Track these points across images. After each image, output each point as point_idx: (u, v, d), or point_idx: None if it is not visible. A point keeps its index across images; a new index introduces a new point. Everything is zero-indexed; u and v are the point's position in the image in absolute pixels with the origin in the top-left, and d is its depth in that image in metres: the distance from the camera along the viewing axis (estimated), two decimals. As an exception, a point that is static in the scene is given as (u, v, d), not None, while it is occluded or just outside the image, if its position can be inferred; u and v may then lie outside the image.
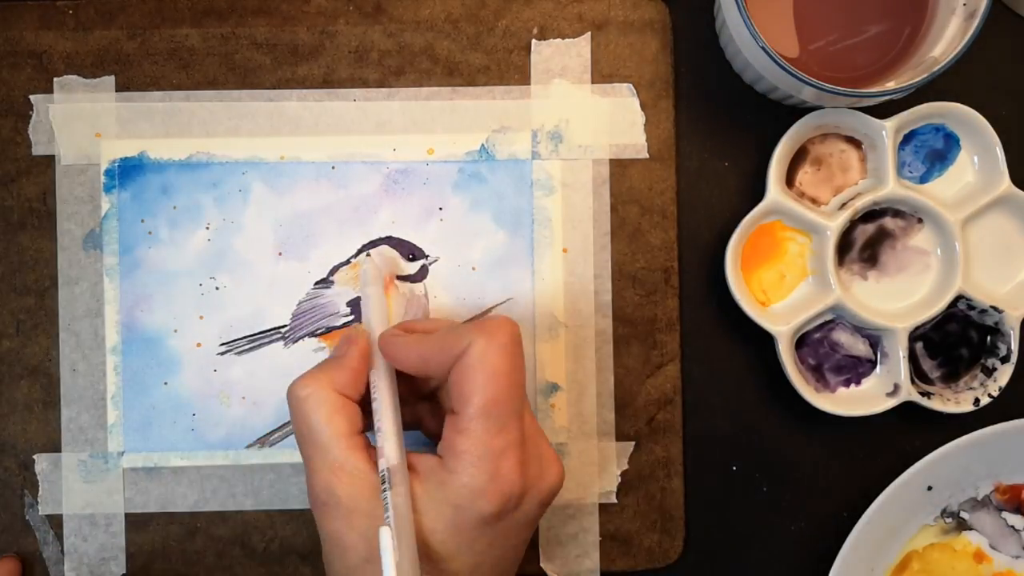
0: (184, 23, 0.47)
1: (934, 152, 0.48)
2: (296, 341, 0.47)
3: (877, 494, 0.46)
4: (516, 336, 0.39)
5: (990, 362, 0.48)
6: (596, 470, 0.48)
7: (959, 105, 0.47)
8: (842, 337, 0.48)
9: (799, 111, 0.47)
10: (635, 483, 0.48)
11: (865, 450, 0.49)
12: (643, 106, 0.48)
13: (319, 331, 0.48)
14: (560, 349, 0.48)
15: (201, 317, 0.47)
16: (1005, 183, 0.47)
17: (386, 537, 0.36)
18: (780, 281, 0.48)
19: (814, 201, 0.48)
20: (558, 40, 0.48)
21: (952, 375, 0.48)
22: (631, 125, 0.48)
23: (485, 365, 0.37)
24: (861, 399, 0.48)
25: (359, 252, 0.48)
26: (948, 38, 0.44)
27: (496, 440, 0.37)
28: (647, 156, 0.48)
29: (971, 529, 0.49)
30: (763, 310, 0.48)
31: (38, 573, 0.47)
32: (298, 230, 0.48)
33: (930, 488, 0.48)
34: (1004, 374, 0.47)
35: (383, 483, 0.38)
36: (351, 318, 0.47)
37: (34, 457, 0.47)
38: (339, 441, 0.38)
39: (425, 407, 0.43)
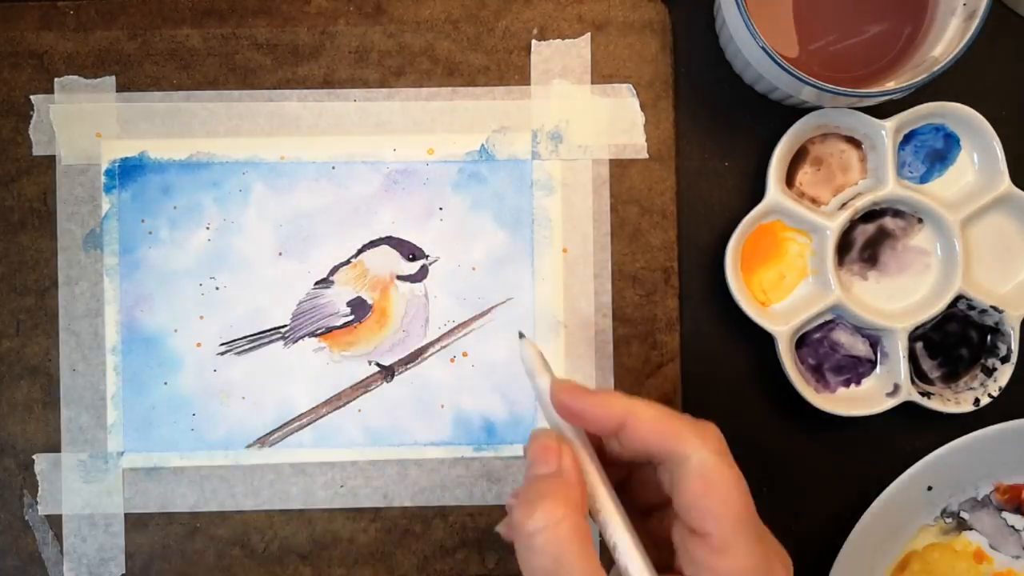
0: (185, 23, 0.48)
1: (934, 152, 0.48)
2: (296, 341, 0.47)
3: (877, 494, 0.46)
4: (726, 444, 0.36)
5: (990, 362, 0.48)
6: (596, 470, 0.48)
7: (959, 105, 0.47)
8: (842, 337, 0.48)
9: (799, 111, 0.47)
10: (635, 483, 0.48)
11: (865, 450, 0.49)
12: (643, 106, 0.48)
13: (319, 331, 0.48)
14: (560, 349, 0.48)
15: (201, 317, 0.47)
16: (1005, 183, 0.47)
17: None
18: (780, 281, 0.48)
19: (814, 201, 0.48)
20: (558, 40, 0.48)
21: (952, 375, 0.48)
22: (631, 125, 0.48)
23: (724, 479, 0.34)
24: (861, 399, 0.48)
25: (359, 252, 0.48)
26: (948, 38, 0.44)
27: (759, 550, 0.34)
28: (647, 156, 0.48)
29: (971, 529, 0.49)
30: (763, 310, 0.48)
31: (38, 573, 0.47)
32: (298, 230, 0.48)
33: (930, 488, 0.48)
34: (1004, 374, 0.47)
35: None
36: (351, 318, 0.47)
37: (34, 457, 0.47)
38: (598, 573, 0.33)
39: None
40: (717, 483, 0.34)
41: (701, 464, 0.34)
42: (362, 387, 0.48)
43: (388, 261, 0.48)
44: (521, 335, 0.39)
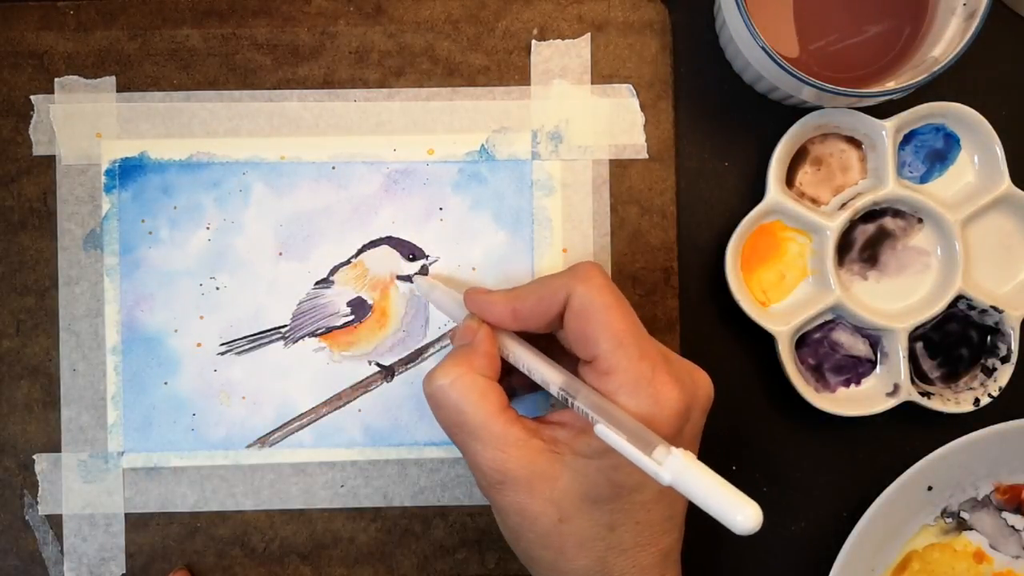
0: (185, 24, 0.48)
1: (934, 152, 0.48)
2: (296, 341, 0.47)
3: (877, 494, 0.46)
4: (606, 274, 0.39)
5: (990, 362, 0.48)
6: (596, 470, 0.47)
7: (959, 105, 0.47)
8: (842, 337, 0.48)
9: (799, 111, 0.47)
10: (635, 483, 0.48)
11: (865, 450, 0.49)
12: (643, 106, 0.48)
13: (319, 331, 0.48)
14: (560, 349, 0.48)
15: (201, 317, 0.47)
16: (1005, 183, 0.47)
17: (606, 431, 0.36)
18: (780, 281, 0.48)
19: (814, 201, 0.48)
20: (558, 41, 0.48)
21: (952, 375, 0.48)
22: (631, 125, 0.48)
23: (596, 304, 0.38)
24: (861, 399, 0.48)
25: (359, 252, 0.48)
26: (948, 38, 0.44)
27: (642, 365, 0.37)
28: (647, 156, 0.48)
29: (971, 529, 0.49)
30: (763, 310, 0.48)
31: (38, 573, 0.47)
32: (298, 230, 0.48)
33: (930, 488, 0.48)
34: (1004, 374, 0.47)
35: (566, 402, 0.38)
36: (351, 318, 0.47)
37: (34, 457, 0.47)
38: (498, 417, 0.38)
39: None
40: (591, 310, 0.38)
41: (578, 298, 0.38)
42: (362, 387, 0.48)
43: (388, 261, 0.48)
44: (411, 278, 0.47)
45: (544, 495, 0.38)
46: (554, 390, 0.39)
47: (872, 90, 0.43)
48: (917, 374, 0.48)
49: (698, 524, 0.48)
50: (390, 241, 0.48)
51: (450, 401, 0.39)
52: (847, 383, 0.48)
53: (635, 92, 0.48)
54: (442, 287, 0.46)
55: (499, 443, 0.38)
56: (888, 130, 0.46)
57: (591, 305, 0.38)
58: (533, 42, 0.48)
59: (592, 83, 0.48)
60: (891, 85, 0.44)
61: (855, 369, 0.48)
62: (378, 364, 0.48)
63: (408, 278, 0.48)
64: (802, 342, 0.48)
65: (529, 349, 0.41)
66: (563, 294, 0.39)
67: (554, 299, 0.39)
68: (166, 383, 0.47)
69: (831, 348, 0.48)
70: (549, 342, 0.42)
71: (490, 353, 0.40)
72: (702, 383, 0.40)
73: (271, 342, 0.47)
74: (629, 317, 0.38)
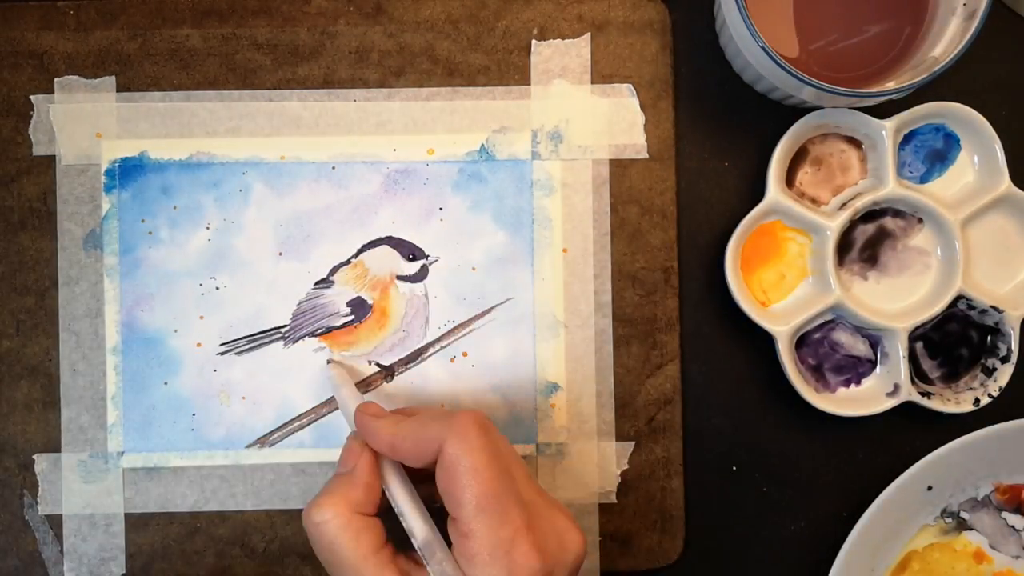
0: (185, 24, 0.48)
1: (934, 152, 0.48)
2: (296, 341, 0.47)
3: (877, 494, 0.46)
4: (484, 427, 0.39)
5: (990, 362, 0.48)
6: (596, 470, 0.48)
7: (959, 105, 0.47)
8: (842, 337, 0.48)
9: (799, 111, 0.47)
10: (635, 483, 0.48)
11: (865, 450, 0.49)
12: (643, 106, 0.48)
13: (319, 331, 0.48)
14: (560, 349, 0.48)
15: (201, 317, 0.47)
16: (1005, 183, 0.47)
17: None
18: (780, 281, 0.48)
19: (814, 201, 0.48)
20: (558, 40, 0.48)
21: (952, 375, 0.48)
22: (631, 125, 0.48)
23: (463, 466, 0.37)
24: (861, 399, 0.48)
25: (359, 252, 0.48)
26: (948, 38, 0.44)
27: (501, 532, 0.37)
28: (647, 156, 0.48)
29: (971, 529, 0.49)
30: (763, 310, 0.48)
31: (38, 573, 0.47)
32: (298, 230, 0.48)
33: (930, 488, 0.48)
34: (1004, 374, 0.47)
35: (424, 560, 0.38)
36: (351, 318, 0.47)
37: (34, 457, 0.47)
38: (368, 560, 0.38)
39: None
40: (458, 471, 0.38)
41: (446, 456, 0.38)
42: (362, 387, 0.48)
43: (388, 261, 0.48)
44: (328, 361, 0.47)
45: None
46: (415, 543, 0.39)
47: (872, 90, 0.43)
48: (917, 374, 0.48)
49: (699, 523, 0.49)
50: (390, 241, 0.48)
51: (325, 540, 0.39)
52: (847, 383, 0.48)
53: (635, 92, 0.48)
54: (349, 388, 0.45)
55: None
56: (888, 130, 0.46)
57: (458, 464, 0.38)
58: (533, 42, 0.48)
59: (592, 83, 0.48)
60: (891, 85, 0.44)
61: (855, 369, 0.48)
62: (378, 364, 0.48)
63: (408, 278, 0.48)
64: (802, 342, 0.48)
65: (404, 489, 0.41)
66: (436, 444, 0.38)
67: (429, 446, 0.39)
68: (166, 383, 0.47)
69: (831, 348, 0.48)
70: None
71: (370, 484, 0.40)
72: (571, 546, 0.39)
73: (271, 342, 0.47)
74: (495, 480, 0.38)
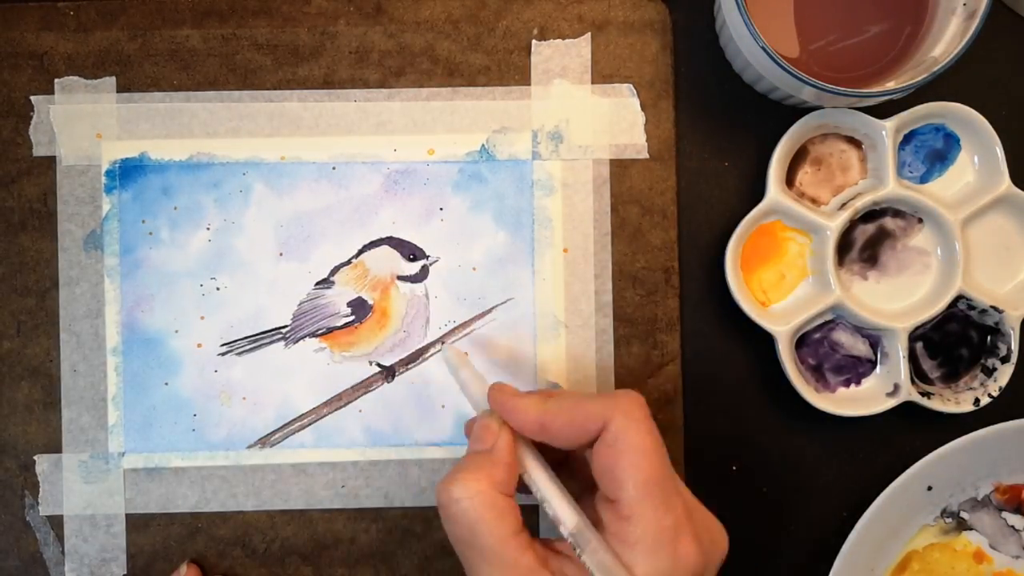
0: (185, 24, 0.48)
1: (934, 152, 0.48)
2: (297, 341, 0.48)
3: (877, 494, 0.46)
4: (646, 409, 0.37)
5: (990, 362, 0.48)
6: (596, 470, 0.48)
7: (959, 105, 0.47)
8: (842, 337, 0.48)
9: (799, 111, 0.47)
10: (635, 483, 0.48)
11: (865, 450, 0.49)
12: (643, 106, 0.48)
13: (320, 331, 0.48)
14: (561, 349, 0.48)
15: (202, 317, 0.47)
16: (1005, 183, 0.47)
17: None
18: (780, 281, 0.48)
19: (814, 201, 0.48)
20: (558, 40, 0.48)
21: (952, 375, 0.48)
22: (631, 125, 0.48)
23: (632, 445, 0.36)
24: (861, 399, 0.48)
25: (360, 252, 0.48)
26: (948, 38, 0.44)
27: (665, 520, 0.35)
28: (647, 156, 0.48)
29: (971, 529, 0.49)
30: (763, 310, 0.48)
31: (39, 574, 0.47)
32: (299, 230, 0.48)
33: (930, 488, 0.48)
34: (1004, 374, 0.48)
35: (574, 549, 0.36)
36: (352, 318, 0.48)
37: (35, 458, 0.47)
38: (510, 542, 0.36)
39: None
40: (624, 450, 0.36)
41: (612, 434, 0.36)
42: (363, 387, 0.48)
43: (389, 261, 0.48)
44: (444, 344, 0.47)
45: None
46: (563, 532, 0.37)
47: (872, 90, 0.43)
48: (917, 374, 0.48)
49: (698, 524, 0.49)
50: (390, 241, 0.48)
51: (466, 519, 0.36)
52: (847, 383, 0.48)
53: (635, 92, 0.48)
54: (471, 369, 0.42)
55: (509, 571, 0.36)
56: (888, 130, 0.46)
57: (626, 443, 0.36)
58: (533, 42, 0.48)
59: (592, 83, 0.48)
60: (891, 85, 0.44)
61: (855, 369, 0.48)
62: (379, 364, 0.48)
63: (409, 278, 0.48)
64: (802, 342, 0.48)
65: (547, 474, 0.39)
66: (599, 423, 0.37)
67: (587, 425, 0.37)
68: (167, 384, 0.47)
69: (831, 348, 0.48)
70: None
71: (510, 464, 0.38)
72: (719, 541, 0.38)
73: (272, 343, 0.47)
74: (662, 465, 0.36)
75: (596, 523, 0.38)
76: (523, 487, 0.39)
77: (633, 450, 0.36)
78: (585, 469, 0.39)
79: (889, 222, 0.48)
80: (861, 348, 0.48)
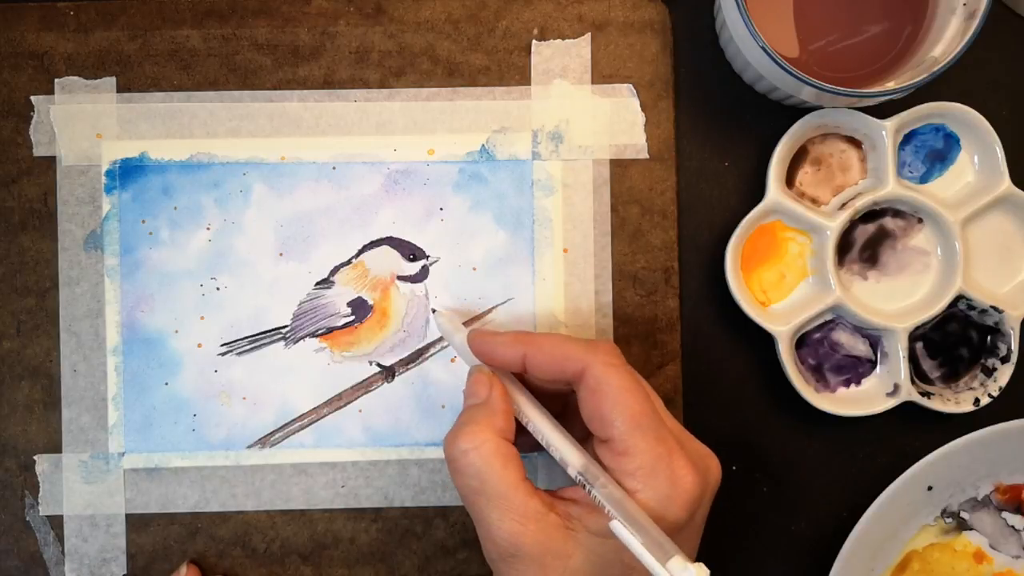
0: (185, 24, 0.48)
1: (934, 152, 0.48)
2: (297, 342, 0.48)
3: (877, 494, 0.46)
4: (622, 356, 0.39)
5: (990, 362, 0.48)
6: (597, 470, 0.48)
7: (959, 105, 0.47)
8: (842, 337, 0.48)
9: (799, 111, 0.47)
10: (635, 483, 0.48)
11: (865, 450, 0.49)
12: (643, 106, 0.48)
13: (320, 331, 0.48)
14: (560, 349, 0.48)
15: (202, 318, 0.47)
16: (1005, 183, 0.47)
17: (620, 529, 0.36)
18: (780, 281, 0.48)
19: (814, 201, 0.48)
20: (558, 41, 0.48)
21: (952, 375, 0.48)
22: (631, 125, 0.48)
23: (614, 386, 0.37)
24: (861, 399, 0.48)
25: (360, 252, 0.48)
26: (948, 38, 0.44)
27: (659, 448, 0.37)
28: (647, 156, 0.48)
29: (971, 529, 0.49)
30: (763, 310, 0.48)
31: (39, 574, 0.47)
32: (299, 230, 0.48)
33: (930, 488, 0.48)
34: (1004, 374, 0.48)
35: (584, 487, 0.38)
36: (352, 318, 0.48)
37: (35, 458, 0.47)
38: (519, 488, 0.37)
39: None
40: (607, 390, 0.38)
41: (593, 377, 0.38)
42: (363, 387, 0.48)
43: (389, 261, 0.48)
44: (433, 310, 0.47)
45: (556, 572, 0.37)
46: (572, 472, 0.38)
47: (872, 90, 0.43)
48: (917, 374, 0.48)
49: (698, 524, 0.49)
50: (390, 241, 0.48)
51: (473, 468, 0.38)
52: (847, 383, 0.48)
53: (635, 92, 0.48)
54: (462, 333, 0.43)
55: (518, 515, 0.37)
56: (888, 130, 0.46)
57: (607, 385, 0.38)
58: (533, 42, 0.48)
59: (592, 83, 0.48)
60: (891, 85, 0.44)
61: (855, 369, 0.48)
62: (379, 364, 0.48)
63: (409, 278, 0.48)
64: (802, 342, 0.48)
65: (548, 419, 0.40)
66: (578, 365, 0.38)
67: (567, 364, 0.38)
68: (167, 384, 0.47)
69: (831, 348, 0.48)
70: (560, 404, 0.42)
71: (507, 412, 0.40)
72: (714, 468, 0.39)
73: (272, 343, 0.47)
74: (647, 399, 0.38)
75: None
76: (522, 440, 0.40)
77: (616, 390, 0.37)
78: (579, 420, 0.40)
79: (889, 222, 0.48)
80: (861, 348, 0.48)
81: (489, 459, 0.38)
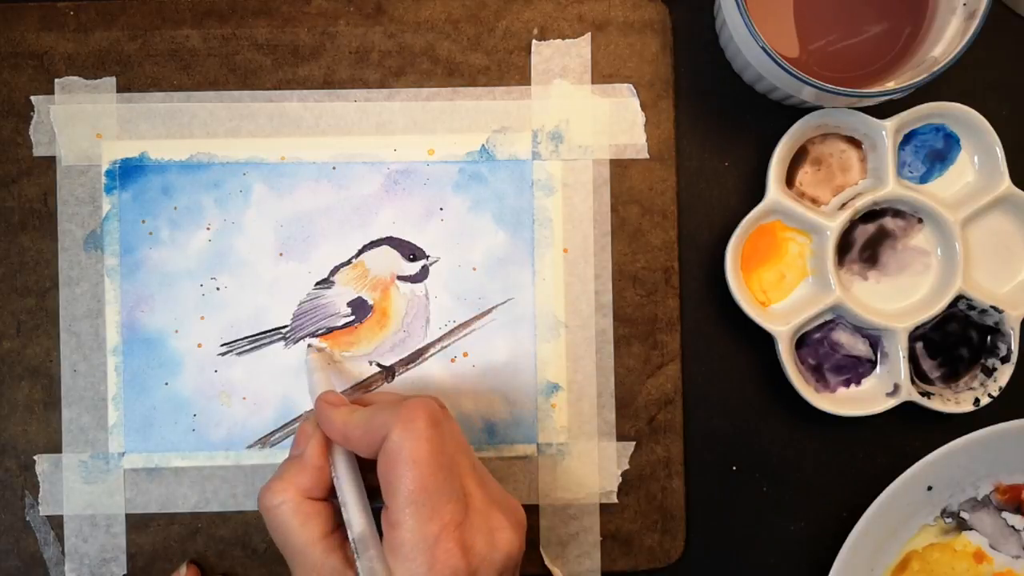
0: (185, 24, 0.48)
1: (934, 152, 0.48)
2: (297, 342, 0.48)
3: (877, 494, 0.46)
4: (434, 417, 0.38)
5: (990, 362, 0.48)
6: (597, 470, 0.48)
7: (959, 105, 0.47)
8: (842, 337, 0.48)
9: (799, 111, 0.47)
10: (636, 483, 0.48)
11: (865, 450, 0.49)
12: (643, 106, 0.48)
13: (320, 331, 0.48)
14: (560, 349, 0.48)
15: (202, 318, 0.47)
16: (1005, 183, 0.47)
17: None
18: (780, 281, 0.48)
19: (814, 201, 0.48)
20: (558, 40, 0.48)
21: (952, 375, 0.48)
22: (631, 125, 0.48)
23: (403, 455, 0.37)
24: (861, 399, 0.48)
25: (360, 252, 0.48)
26: (948, 38, 0.44)
27: (428, 528, 0.37)
28: (647, 156, 0.48)
29: (971, 529, 0.49)
30: (763, 310, 0.48)
31: (39, 574, 0.47)
32: (299, 230, 0.48)
33: (930, 488, 0.48)
34: (1004, 374, 0.47)
35: (355, 553, 0.38)
36: (352, 318, 0.48)
37: (35, 458, 0.47)
38: (316, 546, 0.39)
39: None
40: (396, 460, 0.37)
41: (391, 443, 0.38)
42: (363, 387, 0.48)
43: (389, 261, 0.48)
44: (309, 346, 0.47)
45: None
46: (351, 535, 0.39)
47: (872, 90, 0.43)
48: (917, 374, 0.48)
49: (699, 523, 0.49)
50: (391, 241, 0.48)
51: (276, 523, 0.39)
52: (847, 383, 0.48)
53: (635, 92, 0.48)
54: (323, 375, 0.45)
55: (315, 571, 0.38)
56: (888, 130, 0.46)
57: (399, 453, 0.37)
58: (533, 42, 0.48)
59: (592, 83, 0.48)
60: (891, 85, 0.44)
61: (855, 369, 0.48)
62: (379, 364, 0.48)
63: (409, 278, 0.48)
64: (802, 342, 0.48)
65: (351, 478, 0.40)
66: (384, 432, 0.38)
67: (377, 435, 0.38)
68: (167, 384, 0.47)
69: (831, 348, 0.48)
70: None
71: (319, 468, 0.40)
72: (501, 545, 0.38)
73: (272, 343, 0.47)
74: (436, 475, 0.37)
75: None
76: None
77: (404, 461, 0.37)
78: None
79: (889, 222, 0.48)
80: (861, 348, 0.48)
81: (289, 516, 0.39)
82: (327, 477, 0.40)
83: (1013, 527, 0.49)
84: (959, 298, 0.47)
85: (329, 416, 0.41)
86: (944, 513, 0.49)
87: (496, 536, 0.39)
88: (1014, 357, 0.47)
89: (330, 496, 0.40)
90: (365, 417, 0.39)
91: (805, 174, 0.48)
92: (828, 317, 0.48)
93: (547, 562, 0.47)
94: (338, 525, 0.40)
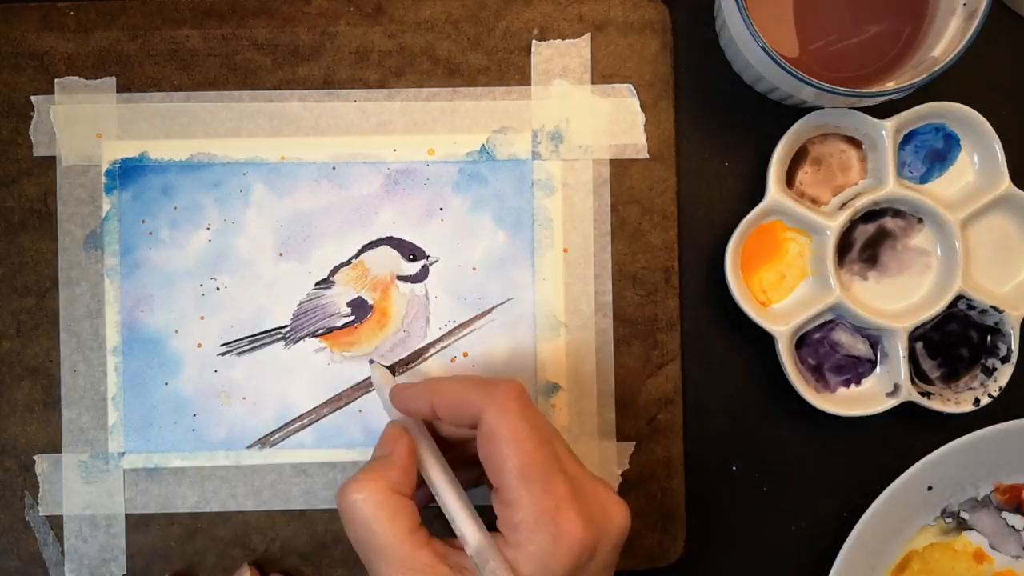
0: (185, 24, 0.48)
1: (934, 152, 0.48)
2: (297, 342, 0.48)
3: (877, 494, 0.46)
4: (522, 397, 0.38)
5: (990, 362, 0.48)
6: (597, 470, 0.48)
7: (959, 105, 0.47)
8: (842, 337, 0.48)
9: (799, 111, 0.47)
10: (636, 483, 0.48)
11: (865, 450, 0.49)
12: (643, 106, 0.48)
13: (320, 331, 0.48)
14: (560, 349, 0.48)
15: (202, 317, 0.47)
16: (1005, 183, 0.47)
17: None
18: (780, 281, 0.48)
19: (814, 201, 0.48)
20: (558, 41, 0.48)
21: (952, 375, 0.48)
22: (631, 125, 0.48)
23: (504, 435, 0.37)
24: (861, 399, 0.48)
25: (360, 252, 0.48)
26: (948, 38, 0.44)
27: (545, 500, 0.37)
28: (647, 156, 0.48)
29: (971, 529, 0.49)
30: (763, 310, 0.48)
31: (38, 574, 0.47)
32: (299, 230, 0.48)
33: (930, 488, 0.48)
34: (1004, 374, 0.48)
35: (477, 568, 0.37)
36: (352, 318, 0.48)
37: (34, 458, 0.47)
38: (405, 541, 0.38)
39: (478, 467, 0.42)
40: (497, 438, 0.37)
41: (487, 423, 0.38)
42: (363, 387, 0.48)
43: (389, 261, 0.48)
44: (371, 362, 0.47)
45: None
46: (468, 551, 0.38)
47: (872, 90, 0.43)
48: (917, 374, 0.48)
49: (699, 523, 0.49)
50: (390, 241, 0.48)
51: (360, 518, 0.38)
52: (847, 383, 0.48)
53: (635, 92, 0.48)
54: (389, 389, 0.44)
55: (405, 567, 0.37)
56: (888, 130, 0.46)
57: (497, 432, 0.37)
58: (533, 42, 0.48)
59: (592, 83, 0.48)
60: (891, 85, 0.44)
61: (855, 369, 0.48)
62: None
63: (409, 278, 0.48)
64: (802, 342, 0.48)
65: (454, 489, 0.40)
66: (475, 410, 0.38)
67: (467, 410, 0.38)
68: (167, 384, 0.47)
69: (831, 348, 0.48)
70: None
71: (407, 467, 0.40)
72: (616, 518, 0.39)
73: (272, 343, 0.47)
74: (537, 449, 0.37)
75: None
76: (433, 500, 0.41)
77: (506, 440, 0.37)
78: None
79: (889, 222, 0.48)
80: (861, 348, 0.48)
81: (376, 510, 0.38)
82: (414, 478, 0.40)
83: (1013, 527, 0.49)
84: (959, 298, 0.47)
85: (413, 392, 0.41)
86: (944, 513, 0.49)
87: (608, 509, 0.39)
88: (1014, 357, 0.47)
89: (413, 496, 0.40)
90: (453, 387, 0.40)
91: (805, 174, 0.48)
92: (828, 317, 0.48)
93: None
94: (421, 524, 0.39)
